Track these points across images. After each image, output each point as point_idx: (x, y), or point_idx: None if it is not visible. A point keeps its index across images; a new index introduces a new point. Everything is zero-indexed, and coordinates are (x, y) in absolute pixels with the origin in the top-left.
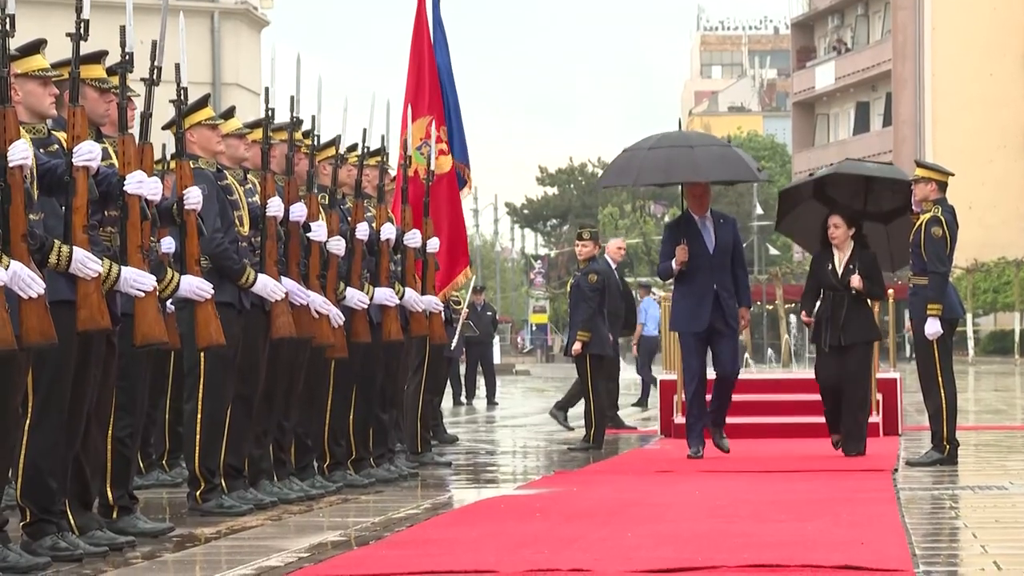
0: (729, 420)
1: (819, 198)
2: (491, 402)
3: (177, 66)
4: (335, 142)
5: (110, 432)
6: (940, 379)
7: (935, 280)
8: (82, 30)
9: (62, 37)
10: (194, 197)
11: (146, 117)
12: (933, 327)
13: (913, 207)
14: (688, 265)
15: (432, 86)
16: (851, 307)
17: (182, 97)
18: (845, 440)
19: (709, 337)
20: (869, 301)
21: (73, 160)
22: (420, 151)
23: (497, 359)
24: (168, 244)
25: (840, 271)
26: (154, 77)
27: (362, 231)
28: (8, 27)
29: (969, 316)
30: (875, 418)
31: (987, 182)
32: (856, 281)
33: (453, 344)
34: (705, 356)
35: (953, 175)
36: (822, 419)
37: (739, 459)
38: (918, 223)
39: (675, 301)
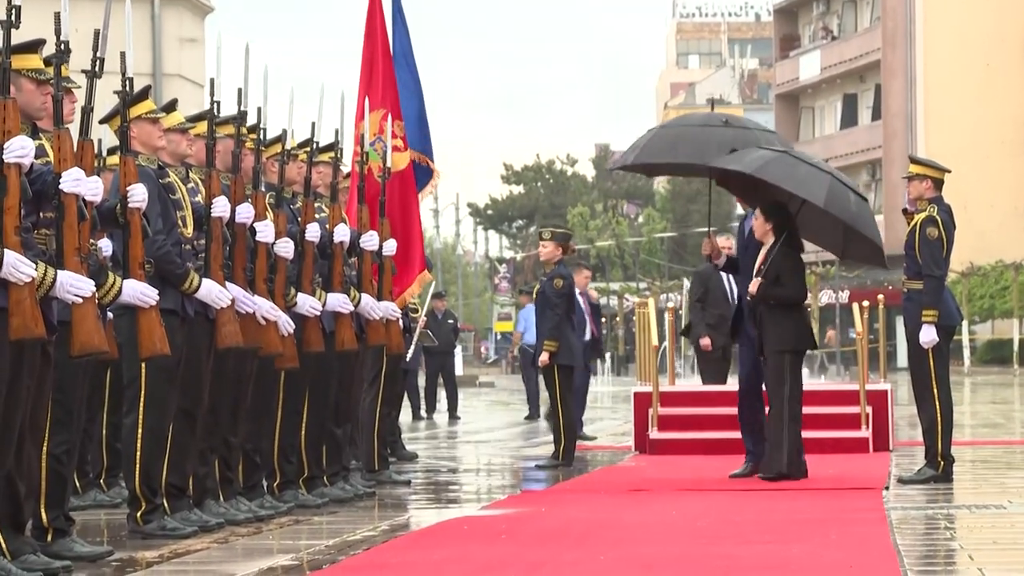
0: (705, 435)
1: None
2: (453, 416)
3: (122, 55)
4: (282, 137)
5: (45, 449)
6: (935, 390)
7: (931, 284)
8: (13, 16)
9: None
10: (139, 194)
11: (87, 112)
12: (929, 334)
13: (907, 206)
14: (740, 264)
15: (386, 78)
16: (765, 313)
17: (127, 88)
18: (764, 460)
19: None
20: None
21: (3, 157)
22: (374, 147)
23: (459, 370)
24: (106, 246)
25: (755, 271)
26: (96, 69)
27: (312, 232)
28: None
29: (965, 324)
30: (864, 433)
31: (983, 180)
32: (752, 286)
33: (409, 354)
34: (751, 364)
35: (949, 172)
36: (808, 434)
37: (719, 477)
38: (913, 223)
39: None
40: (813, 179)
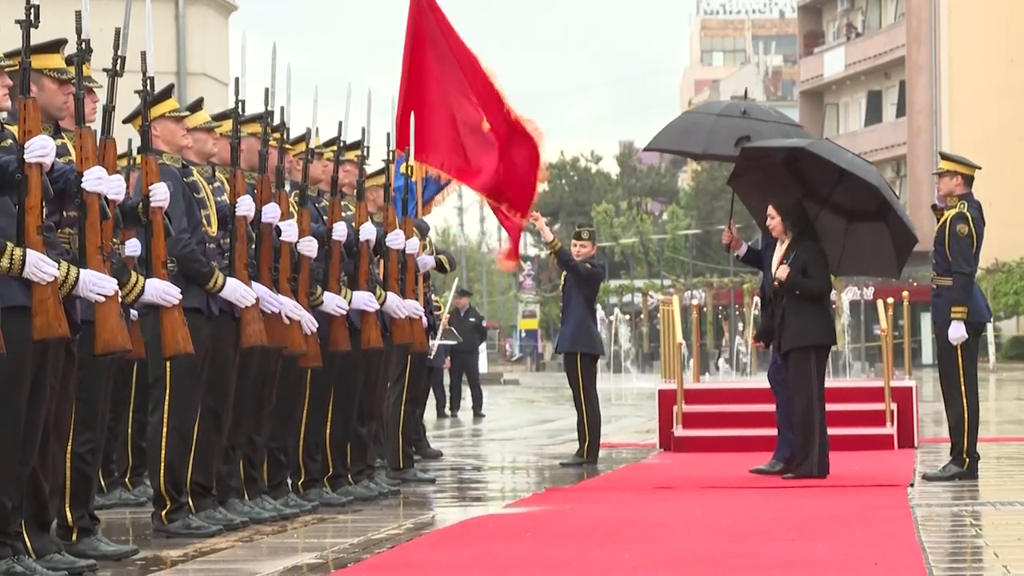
0: (730, 433)
1: (789, 168)
2: (477, 414)
3: (143, 54)
4: (306, 136)
5: (69, 448)
6: (963, 387)
7: (960, 281)
8: (32, 17)
9: (12, 24)
10: (160, 194)
11: (109, 110)
12: (958, 331)
13: (937, 202)
14: (764, 260)
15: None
16: (788, 308)
17: (149, 87)
18: (796, 460)
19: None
20: (819, 301)
21: (25, 156)
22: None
23: (484, 368)
24: (133, 247)
25: (775, 267)
26: (118, 67)
27: (339, 232)
28: None
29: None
30: (889, 429)
31: (1008, 176)
32: (780, 272)
33: (433, 351)
34: (773, 361)
35: (980, 168)
36: (833, 431)
37: (743, 474)
38: (942, 220)
39: None
40: (842, 153)
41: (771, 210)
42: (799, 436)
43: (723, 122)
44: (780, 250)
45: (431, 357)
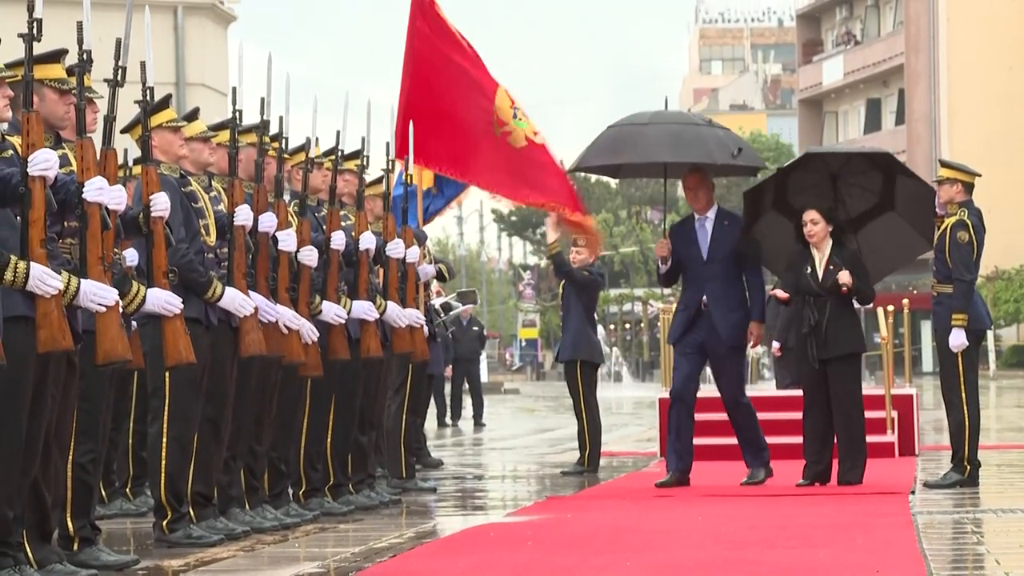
0: (730, 441)
1: (780, 209)
2: (478, 423)
3: (142, 64)
4: (306, 146)
5: (70, 458)
6: (964, 394)
7: (960, 288)
8: (35, 30)
9: (15, 36)
10: (161, 203)
11: (110, 120)
12: (958, 338)
13: (937, 210)
14: (685, 272)
15: (475, 64)
16: (833, 314)
17: (148, 97)
18: (841, 467)
19: (706, 355)
20: (855, 307)
21: (28, 170)
22: (517, 118)
23: (484, 377)
24: (132, 257)
25: (820, 272)
26: (118, 77)
27: (337, 241)
28: None
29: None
30: (890, 437)
31: (1007, 184)
32: (845, 276)
33: (439, 302)
34: (688, 373)
35: (980, 175)
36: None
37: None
38: (943, 227)
39: (675, 311)
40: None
41: (814, 215)
42: (851, 442)
43: (706, 131)
44: (821, 257)
45: (441, 320)
